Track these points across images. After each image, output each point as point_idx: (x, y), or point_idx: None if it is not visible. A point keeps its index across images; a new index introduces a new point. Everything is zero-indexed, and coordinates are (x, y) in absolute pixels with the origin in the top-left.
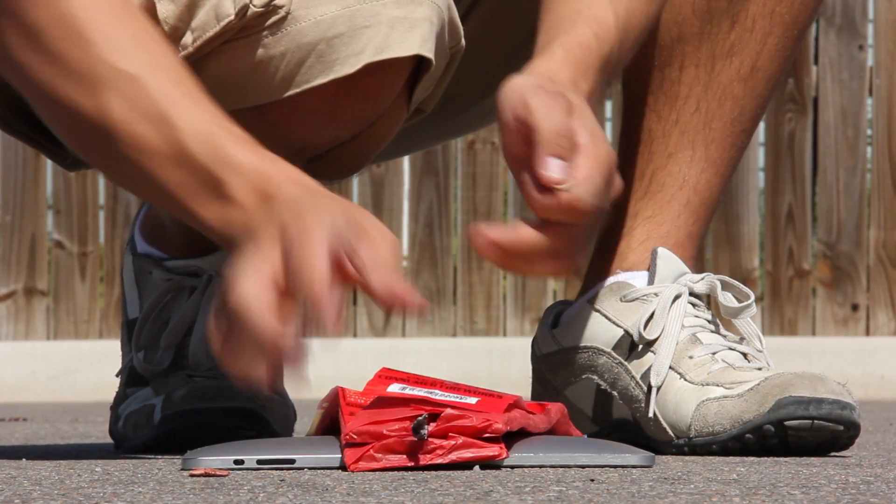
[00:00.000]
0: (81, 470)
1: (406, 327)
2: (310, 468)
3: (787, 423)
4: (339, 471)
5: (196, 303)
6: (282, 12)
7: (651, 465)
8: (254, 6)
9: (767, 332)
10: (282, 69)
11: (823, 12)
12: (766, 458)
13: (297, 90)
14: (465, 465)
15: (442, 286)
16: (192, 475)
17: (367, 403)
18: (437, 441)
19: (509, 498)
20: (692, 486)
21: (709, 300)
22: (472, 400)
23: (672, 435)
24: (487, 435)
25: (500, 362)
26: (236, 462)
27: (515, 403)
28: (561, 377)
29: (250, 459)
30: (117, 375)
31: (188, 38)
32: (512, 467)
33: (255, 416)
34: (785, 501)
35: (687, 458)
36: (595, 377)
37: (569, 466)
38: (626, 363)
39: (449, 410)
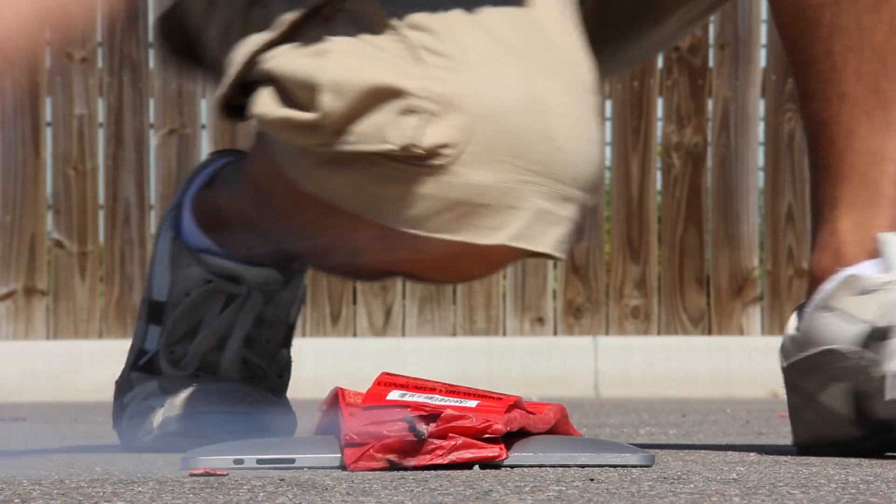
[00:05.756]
0: (81, 470)
1: (406, 327)
2: (310, 468)
3: None
4: (339, 470)
5: (232, 317)
6: (442, 161)
7: (651, 464)
8: (417, 148)
9: (767, 331)
10: (418, 207)
11: None
12: (766, 458)
13: (424, 234)
14: (465, 465)
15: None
16: (191, 475)
17: (365, 405)
18: (437, 441)
19: (509, 497)
20: (692, 485)
21: None
22: (472, 403)
23: None
24: (487, 435)
25: (500, 362)
26: (236, 462)
27: (515, 404)
28: (814, 383)
29: (250, 459)
30: (137, 364)
31: (344, 139)
32: (512, 467)
33: (257, 420)
34: (785, 501)
35: (687, 457)
36: (848, 380)
37: (568, 466)
38: (876, 358)
39: (449, 411)
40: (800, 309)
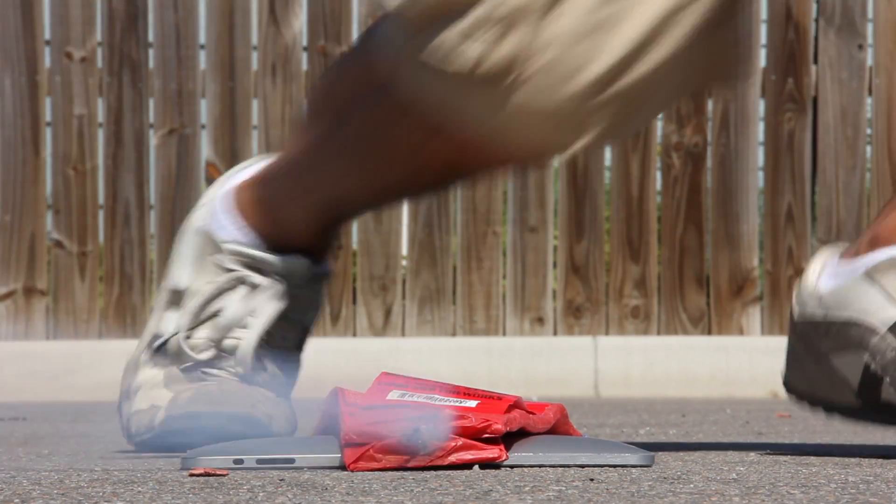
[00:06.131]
0: (81, 470)
1: (406, 327)
2: (309, 468)
3: None
4: (339, 470)
5: (251, 306)
6: (508, 80)
7: (650, 464)
8: (481, 71)
9: (767, 331)
10: (494, 119)
11: (823, 11)
12: (766, 458)
13: (481, 131)
14: (465, 465)
15: (441, 285)
16: (191, 475)
17: (365, 405)
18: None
19: (509, 497)
20: (692, 485)
21: None
22: (472, 403)
23: None
24: (487, 435)
25: (500, 362)
26: (236, 462)
27: (515, 404)
28: (828, 344)
29: (250, 459)
30: (151, 346)
31: (424, 43)
32: (512, 467)
33: (258, 423)
34: (784, 501)
35: (687, 457)
36: (866, 356)
37: (568, 466)
38: None
39: (448, 411)
40: (840, 256)
